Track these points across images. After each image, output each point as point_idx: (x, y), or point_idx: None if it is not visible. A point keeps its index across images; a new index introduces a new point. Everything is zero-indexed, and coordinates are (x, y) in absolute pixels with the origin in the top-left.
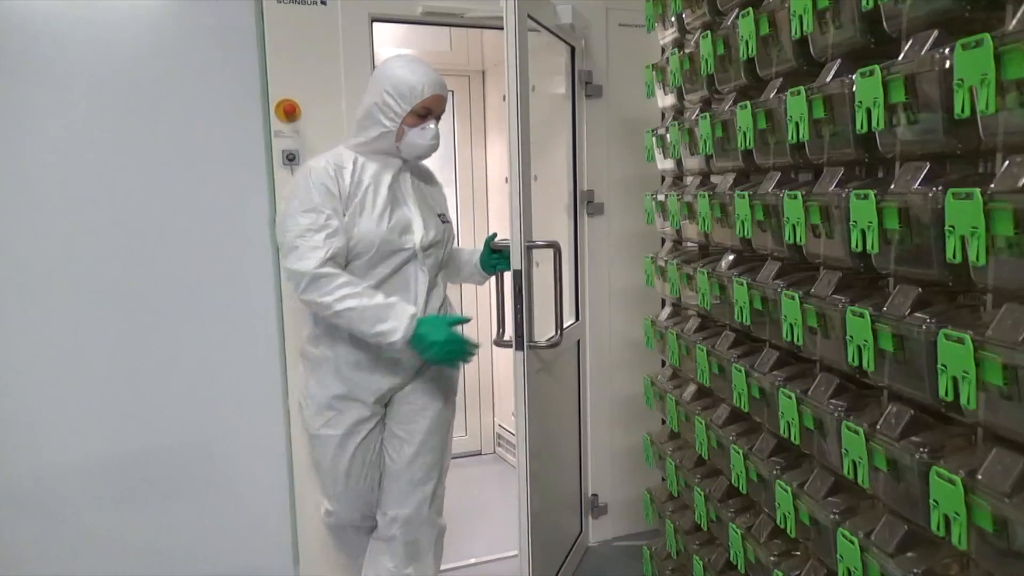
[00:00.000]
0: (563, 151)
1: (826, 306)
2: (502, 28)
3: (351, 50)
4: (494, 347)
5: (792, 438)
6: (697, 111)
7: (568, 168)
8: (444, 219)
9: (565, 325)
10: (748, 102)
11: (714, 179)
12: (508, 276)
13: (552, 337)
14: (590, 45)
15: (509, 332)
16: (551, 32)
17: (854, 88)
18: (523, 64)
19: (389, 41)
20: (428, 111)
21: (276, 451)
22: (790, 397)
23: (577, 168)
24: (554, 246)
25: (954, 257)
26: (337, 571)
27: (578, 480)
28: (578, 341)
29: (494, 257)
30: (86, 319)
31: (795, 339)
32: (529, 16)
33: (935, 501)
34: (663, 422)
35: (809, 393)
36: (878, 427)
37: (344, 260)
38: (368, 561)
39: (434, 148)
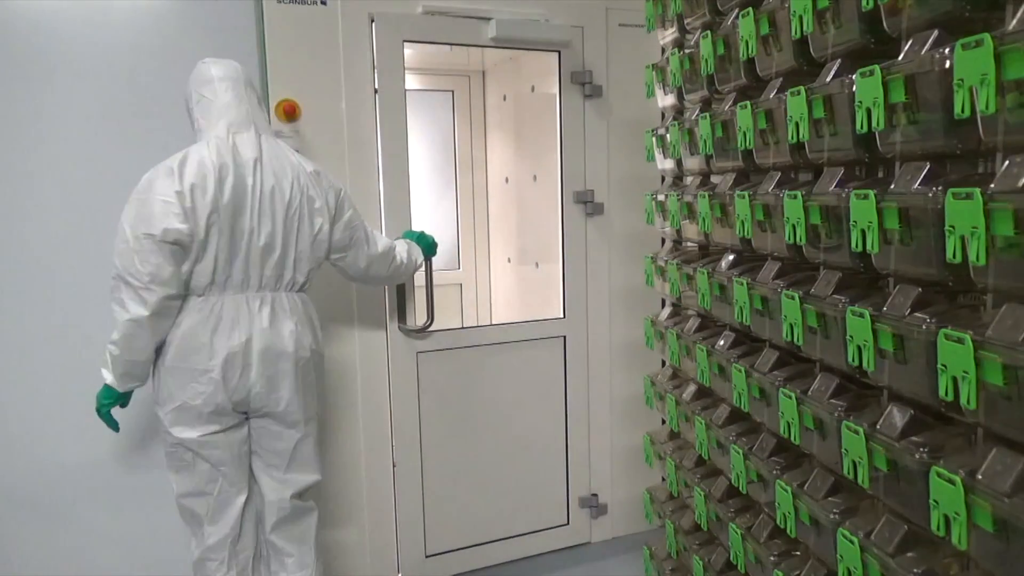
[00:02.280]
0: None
1: (826, 306)
2: None
3: (351, 50)
4: None
5: (792, 438)
6: (697, 111)
7: (562, 168)
8: None
9: (548, 317)
10: (748, 102)
11: (714, 179)
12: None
13: (426, 323)
14: (590, 45)
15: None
16: (496, 47)
17: (854, 88)
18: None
19: None
20: None
21: None
22: (790, 397)
23: (564, 168)
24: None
25: (954, 257)
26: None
27: (564, 475)
28: (564, 337)
29: None
30: (86, 318)
31: (795, 339)
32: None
33: (935, 501)
34: (663, 422)
35: (809, 393)
36: (878, 427)
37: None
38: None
39: None
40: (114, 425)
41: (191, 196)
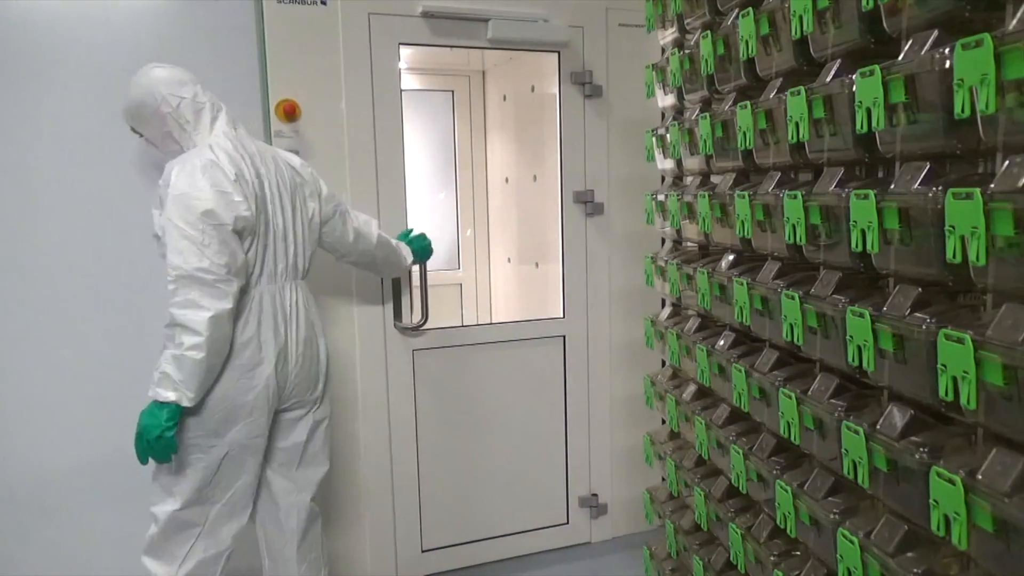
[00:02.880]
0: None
1: (826, 306)
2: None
3: (351, 50)
4: None
5: (792, 438)
6: (697, 111)
7: (562, 168)
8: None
9: (547, 316)
10: (748, 102)
11: (714, 179)
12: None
13: (420, 322)
14: (590, 45)
15: (417, 316)
16: (495, 48)
17: (854, 88)
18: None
19: None
20: None
21: None
22: (790, 397)
23: (564, 168)
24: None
25: (954, 257)
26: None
27: (564, 474)
28: (564, 337)
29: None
30: (86, 318)
31: (795, 339)
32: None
33: (935, 501)
34: (663, 422)
35: (809, 393)
36: (878, 427)
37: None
38: None
39: None
40: (174, 450)
41: (241, 184)
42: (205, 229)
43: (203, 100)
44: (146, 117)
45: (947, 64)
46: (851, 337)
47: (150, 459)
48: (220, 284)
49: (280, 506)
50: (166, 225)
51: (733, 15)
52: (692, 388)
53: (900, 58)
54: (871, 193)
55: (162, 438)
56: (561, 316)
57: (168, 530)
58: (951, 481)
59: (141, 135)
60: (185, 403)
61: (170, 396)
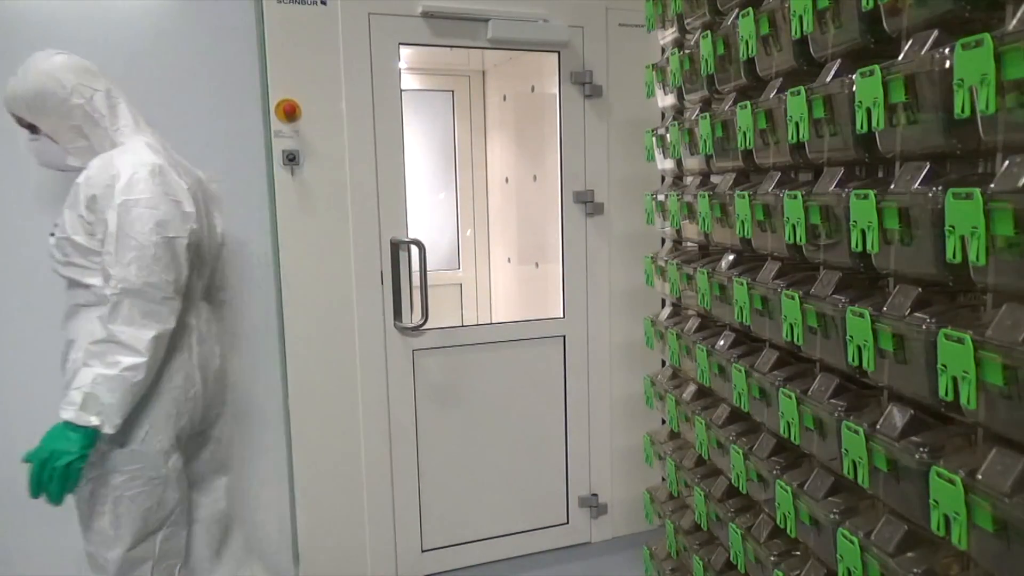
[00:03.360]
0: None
1: (826, 306)
2: None
3: (351, 50)
4: None
5: (792, 438)
6: (697, 111)
7: (561, 168)
8: (58, 232)
9: (547, 316)
10: (748, 102)
11: (714, 179)
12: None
13: (420, 322)
14: (590, 45)
15: (417, 317)
16: (495, 48)
17: (854, 88)
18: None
19: None
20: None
21: (276, 450)
22: (790, 397)
23: (564, 168)
24: (417, 243)
25: (954, 257)
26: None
27: (564, 474)
28: (564, 337)
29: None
30: None
31: (795, 339)
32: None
33: (935, 501)
34: (663, 422)
35: (809, 393)
36: (878, 427)
37: None
38: None
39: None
40: (75, 484)
41: (191, 193)
42: (158, 242)
43: (117, 96)
44: (49, 108)
45: (947, 64)
46: (851, 337)
47: (75, 497)
48: (167, 302)
49: (199, 520)
50: (115, 233)
51: (733, 15)
52: (692, 388)
53: (900, 58)
54: (871, 193)
55: (71, 467)
56: (561, 316)
57: (121, 574)
58: (951, 481)
59: (32, 128)
60: (107, 430)
61: (92, 421)
